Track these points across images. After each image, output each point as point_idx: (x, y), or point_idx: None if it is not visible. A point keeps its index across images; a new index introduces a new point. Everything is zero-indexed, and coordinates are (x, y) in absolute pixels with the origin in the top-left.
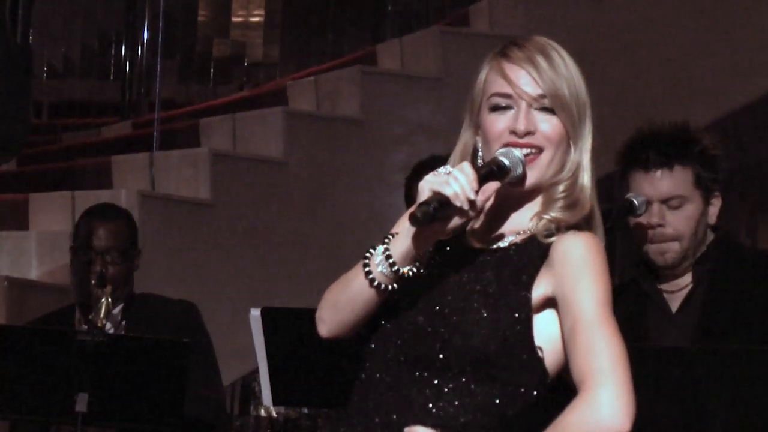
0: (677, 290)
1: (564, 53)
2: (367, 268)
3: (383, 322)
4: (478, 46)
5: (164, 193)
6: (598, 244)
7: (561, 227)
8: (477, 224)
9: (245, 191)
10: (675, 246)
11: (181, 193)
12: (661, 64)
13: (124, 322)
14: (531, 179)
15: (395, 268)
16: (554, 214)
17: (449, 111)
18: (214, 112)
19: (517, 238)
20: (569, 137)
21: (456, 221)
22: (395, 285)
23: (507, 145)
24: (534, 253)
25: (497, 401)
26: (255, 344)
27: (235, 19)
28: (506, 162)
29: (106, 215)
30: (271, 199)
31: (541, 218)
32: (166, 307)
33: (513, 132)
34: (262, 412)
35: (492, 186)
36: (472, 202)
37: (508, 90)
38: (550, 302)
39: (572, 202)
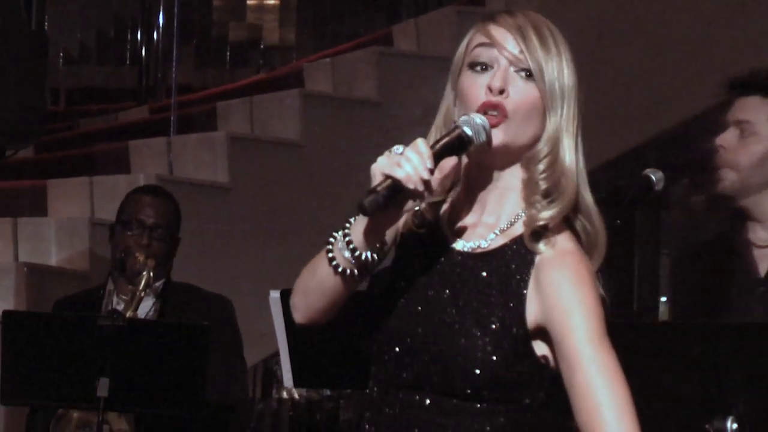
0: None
1: (557, 33)
2: (330, 254)
3: (380, 345)
4: None
5: (182, 177)
6: (586, 266)
7: (546, 228)
8: (453, 213)
9: (263, 174)
10: (729, 175)
11: (199, 177)
12: (678, 43)
13: (155, 308)
14: (497, 140)
15: (357, 253)
16: (536, 213)
17: None
18: (231, 95)
19: (500, 239)
20: (545, 108)
21: (411, 204)
22: (364, 271)
23: (483, 105)
24: (521, 263)
25: (509, 418)
26: (275, 327)
27: (250, 2)
28: (468, 131)
29: (157, 193)
30: (289, 182)
31: (522, 217)
32: (201, 299)
33: (489, 88)
34: (284, 395)
35: (450, 162)
36: (426, 183)
37: (489, 41)
38: (542, 328)
39: (553, 184)
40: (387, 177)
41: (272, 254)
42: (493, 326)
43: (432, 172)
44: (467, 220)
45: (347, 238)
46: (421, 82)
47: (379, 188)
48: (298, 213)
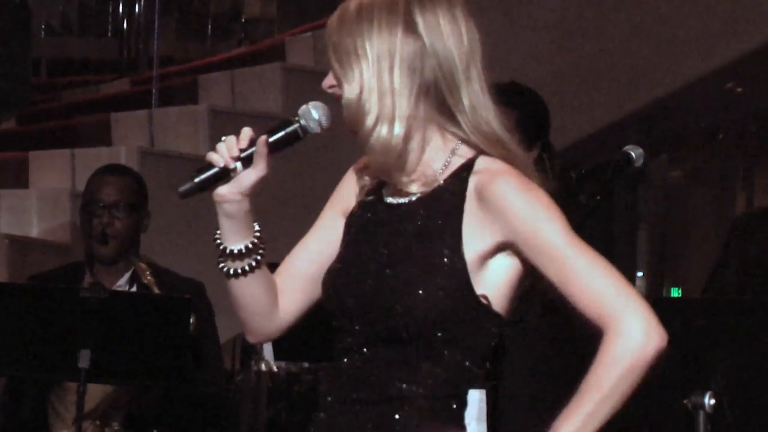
0: None
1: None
2: (221, 265)
3: (331, 311)
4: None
5: (163, 149)
6: (523, 175)
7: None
8: (390, 176)
9: None
10: None
11: (181, 150)
12: (656, 16)
13: (128, 287)
14: (348, 123)
15: (226, 249)
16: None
17: None
18: (213, 68)
19: (431, 185)
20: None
21: (246, 180)
22: (253, 263)
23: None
24: (452, 199)
25: (458, 361)
26: None
27: None
28: (301, 122)
29: (115, 171)
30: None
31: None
32: (174, 284)
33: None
34: (263, 367)
35: (263, 139)
36: (238, 159)
37: None
38: (505, 246)
39: (352, 121)
40: (207, 163)
41: None
42: (432, 266)
43: (243, 150)
44: (398, 177)
45: (218, 241)
46: None
47: (193, 172)
48: (279, 185)
